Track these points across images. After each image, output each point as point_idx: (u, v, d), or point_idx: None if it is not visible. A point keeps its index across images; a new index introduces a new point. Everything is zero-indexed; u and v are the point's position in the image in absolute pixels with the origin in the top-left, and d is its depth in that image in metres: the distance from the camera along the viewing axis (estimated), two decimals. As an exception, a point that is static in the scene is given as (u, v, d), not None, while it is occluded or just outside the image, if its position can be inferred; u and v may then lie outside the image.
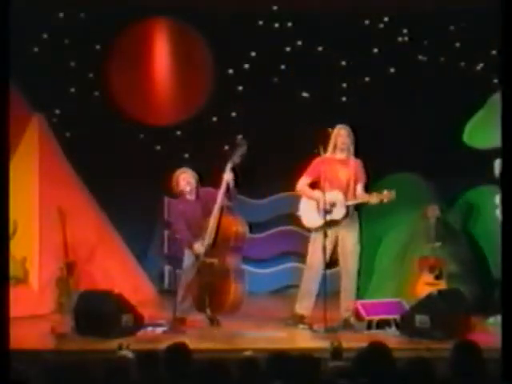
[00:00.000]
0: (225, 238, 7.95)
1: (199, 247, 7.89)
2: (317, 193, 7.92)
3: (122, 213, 10.01)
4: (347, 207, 7.84)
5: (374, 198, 7.78)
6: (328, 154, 7.99)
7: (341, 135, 7.99)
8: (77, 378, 4.47)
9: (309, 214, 8.02)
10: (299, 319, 7.95)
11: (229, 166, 7.92)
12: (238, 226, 8.01)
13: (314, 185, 8.06)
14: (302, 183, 8.07)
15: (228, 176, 7.88)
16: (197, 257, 7.93)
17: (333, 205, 7.81)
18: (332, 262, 8.09)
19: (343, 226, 7.87)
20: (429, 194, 9.62)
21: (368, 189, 8.25)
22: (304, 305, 7.98)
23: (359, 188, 7.97)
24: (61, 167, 9.65)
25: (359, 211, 8.18)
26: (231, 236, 7.97)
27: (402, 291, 8.72)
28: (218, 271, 7.94)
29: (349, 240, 7.93)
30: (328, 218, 7.75)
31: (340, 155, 8.01)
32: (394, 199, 7.74)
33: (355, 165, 8.00)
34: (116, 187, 9.99)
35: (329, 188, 7.87)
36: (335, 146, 8.00)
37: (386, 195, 7.72)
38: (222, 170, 8.01)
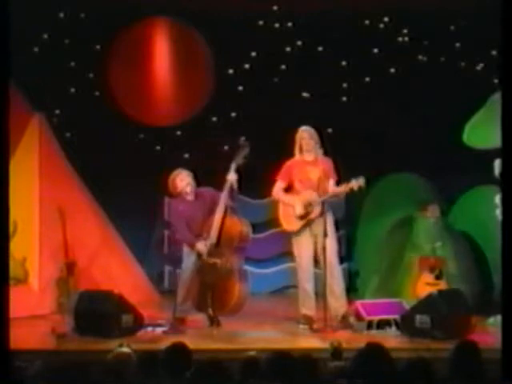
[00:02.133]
0: (229, 238, 7.92)
1: (202, 246, 7.87)
2: (292, 198, 7.99)
3: (122, 213, 10.00)
4: (322, 204, 7.85)
5: (343, 188, 7.80)
6: (297, 157, 8.05)
7: (304, 138, 8.02)
8: (77, 378, 4.47)
9: (288, 219, 8.06)
10: (310, 319, 7.91)
11: (233, 167, 7.92)
12: (242, 226, 7.98)
13: (287, 187, 8.11)
14: (278, 188, 8.13)
15: (232, 177, 7.89)
16: (199, 256, 7.91)
17: (309, 205, 7.86)
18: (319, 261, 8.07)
19: (318, 224, 7.85)
20: (429, 194, 9.62)
21: (368, 189, 8.25)
22: (307, 305, 7.96)
23: (331, 183, 7.99)
24: (61, 167, 9.64)
25: (359, 211, 8.19)
26: (236, 236, 7.94)
27: (402, 291, 8.72)
28: (222, 271, 7.91)
29: (327, 241, 7.84)
30: (305, 218, 7.86)
31: (308, 156, 8.03)
32: (363, 188, 7.75)
33: (324, 164, 8.01)
34: (116, 187, 10.00)
35: (302, 189, 7.96)
36: (301, 148, 8.03)
37: (355, 184, 7.71)
38: (222, 170, 8.01)
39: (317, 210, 7.86)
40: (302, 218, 7.92)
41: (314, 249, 7.95)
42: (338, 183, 7.99)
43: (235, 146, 8.09)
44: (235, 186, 7.91)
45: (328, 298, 7.83)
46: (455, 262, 8.93)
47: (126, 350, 5.24)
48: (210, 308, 7.89)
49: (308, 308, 7.94)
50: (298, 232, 7.96)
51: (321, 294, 7.86)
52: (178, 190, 8.04)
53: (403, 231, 9.45)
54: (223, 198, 7.88)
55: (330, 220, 7.95)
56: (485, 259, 9.01)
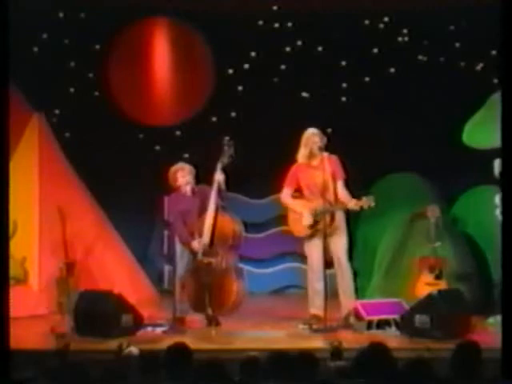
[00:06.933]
0: (223, 237, 7.95)
1: (197, 245, 7.90)
2: (300, 205, 7.93)
3: (122, 213, 10.01)
4: (331, 213, 7.82)
5: (352, 205, 7.70)
6: (302, 161, 7.97)
7: (315, 142, 7.88)
8: (77, 377, 4.47)
9: (296, 225, 8.01)
10: (317, 320, 7.89)
11: (219, 167, 7.94)
12: (235, 225, 8.01)
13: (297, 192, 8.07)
14: (285, 195, 8.08)
15: (219, 176, 7.91)
16: (194, 255, 7.94)
17: (317, 215, 7.81)
18: (330, 262, 8.06)
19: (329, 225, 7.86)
20: (429, 194, 9.62)
21: (368, 189, 8.25)
22: (316, 305, 7.93)
23: (339, 187, 7.90)
24: (61, 167, 9.65)
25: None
26: (229, 235, 7.97)
27: (402, 291, 8.71)
28: (217, 271, 7.92)
29: (338, 240, 7.90)
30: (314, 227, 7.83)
31: (314, 160, 7.94)
32: (375, 205, 7.68)
33: (331, 165, 7.89)
34: (116, 187, 10.00)
35: (309, 194, 7.90)
36: (310, 152, 7.91)
37: (365, 202, 7.66)
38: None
39: (325, 220, 7.80)
40: (311, 227, 7.89)
41: (324, 248, 7.89)
42: (346, 182, 7.94)
43: (220, 146, 8.07)
44: (223, 185, 7.95)
45: (340, 298, 7.88)
46: (455, 262, 8.92)
47: (134, 350, 5.24)
48: (209, 308, 7.90)
49: (317, 307, 7.89)
50: (308, 236, 7.90)
51: (329, 294, 7.85)
52: (177, 184, 8.10)
53: (403, 231, 9.45)
54: (213, 198, 7.92)
55: (340, 219, 7.93)
56: (485, 259, 9.01)
